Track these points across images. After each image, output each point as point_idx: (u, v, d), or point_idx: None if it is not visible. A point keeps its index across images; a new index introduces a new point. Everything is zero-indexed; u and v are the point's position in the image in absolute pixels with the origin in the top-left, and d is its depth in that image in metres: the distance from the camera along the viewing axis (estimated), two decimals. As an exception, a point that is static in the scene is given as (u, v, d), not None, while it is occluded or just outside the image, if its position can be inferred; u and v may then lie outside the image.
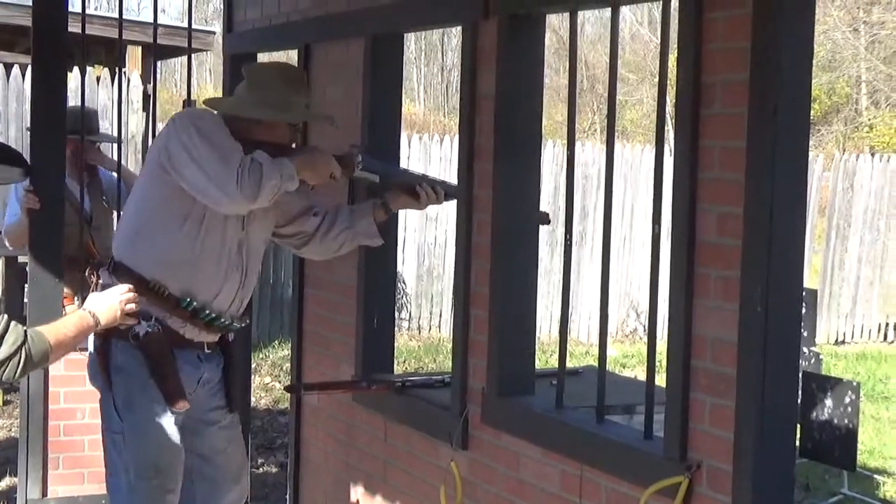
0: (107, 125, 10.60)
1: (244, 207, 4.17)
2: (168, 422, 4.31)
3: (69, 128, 6.09)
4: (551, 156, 13.39)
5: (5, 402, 9.21)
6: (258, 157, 4.10)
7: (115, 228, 6.94)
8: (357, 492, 5.21)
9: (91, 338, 4.32)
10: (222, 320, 4.41)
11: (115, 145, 6.97)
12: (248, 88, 4.42)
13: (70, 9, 6.10)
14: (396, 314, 8.72)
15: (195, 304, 4.31)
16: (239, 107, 4.41)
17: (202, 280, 4.32)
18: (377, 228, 4.65)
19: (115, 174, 6.77)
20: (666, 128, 3.70)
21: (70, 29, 5.99)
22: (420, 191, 4.61)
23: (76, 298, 6.34)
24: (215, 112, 4.42)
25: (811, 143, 5.44)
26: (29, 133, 6.21)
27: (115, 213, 6.72)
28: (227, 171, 4.05)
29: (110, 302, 3.96)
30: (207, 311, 4.34)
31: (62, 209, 5.92)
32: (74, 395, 6.05)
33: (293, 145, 4.53)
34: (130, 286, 4.06)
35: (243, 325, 4.57)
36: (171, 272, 4.28)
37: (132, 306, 4.01)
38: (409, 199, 4.66)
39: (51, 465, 6.09)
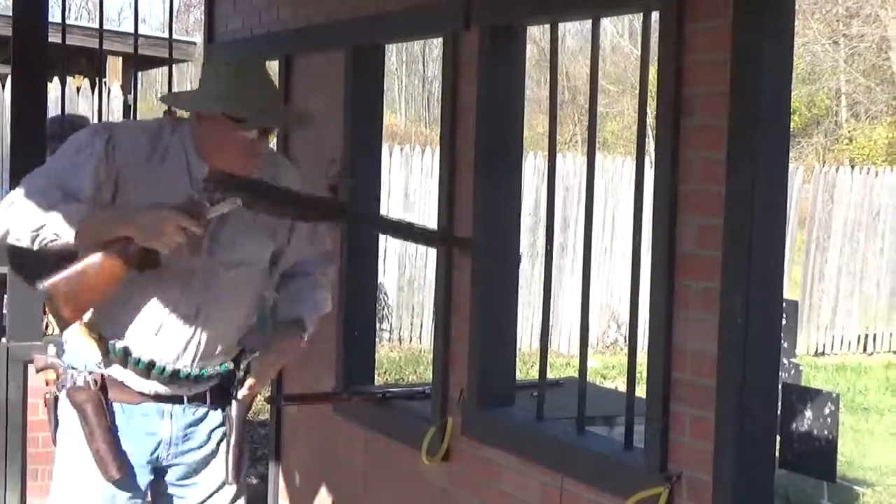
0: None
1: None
2: (93, 491, 3.60)
3: (50, 134, 6.12)
4: (532, 167, 13.41)
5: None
6: (29, 188, 3.41)
7: None
8: (338, 503, 5.20)
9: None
10: (162, 367, 3.55)
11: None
12: (200, 77, 3.63)
13: (50, 19, 6.09)
14: (377, 325, 8.73)
15: (120, 347, 3.54)
16: (178, 98, 3.95)
17: (126, 316, 3.53)
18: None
19: None
20: (647, 139, 3.71)
21: (50, 39, 5.98)
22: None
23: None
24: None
25: (791, 154, 5.46)
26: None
27: None
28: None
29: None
30: (139, 358, 3.53)
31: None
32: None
33: (255, 157, 3.53)
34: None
35: (219, 370, 3.68)
36: (110, 310, 3.51)
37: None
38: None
39: (29, 477, 6.06)
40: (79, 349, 3.58)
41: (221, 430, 3.71)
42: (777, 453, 6.49)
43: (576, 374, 4.00)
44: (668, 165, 3.42)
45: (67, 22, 6.53)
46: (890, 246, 14.32)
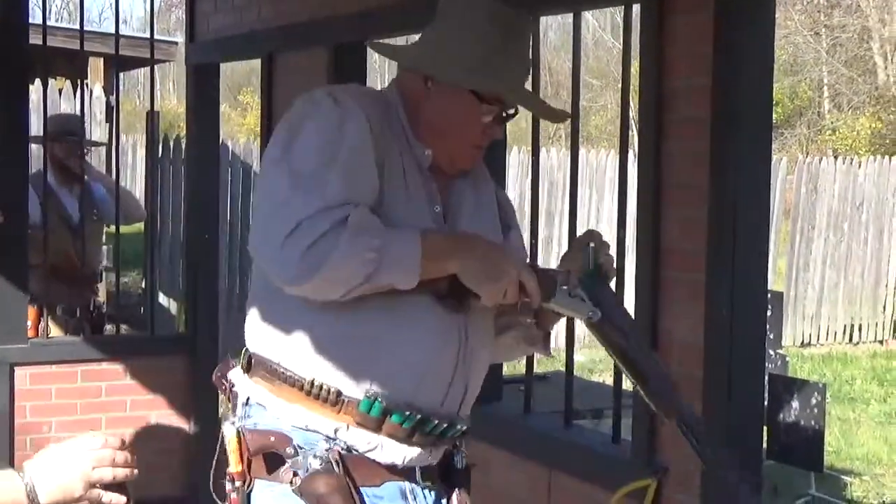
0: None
1: (280, 278, 2.39)
2: None
3: (53, 133, 6.17)
4: (516, 161, 13.40)
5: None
6: (356, 217, 2.33)
7: (102, 240, 6.94)
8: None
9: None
10: (433, 423, 2.56)
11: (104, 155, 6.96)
12: (437, 27, 2.61)
13: (31, 20, 6.07)
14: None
15: (384, 402, 2.48)
16: (411, 55, 2.65)
17: (391, 360, 2.50)
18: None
19: (105, 186, 6.73)
20: (630, 133, 3.72)
21: (31, 41, 5.96)
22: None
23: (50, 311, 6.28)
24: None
25: (774, 146, 5.46)
26: None
27: (104, 226, 6.72)
28: (283, 222, 2.33)
29: (64, 460, 2.13)
30: (409, 413, 2.50)
31: (25, 221, 5.88)
32: (41, 408, 6.02)
33: (478, 150, 2.66)
34: (109, 437, 2.18)
35: (463, 427, 2.67)
36: (339, 356, 2.49)
37: (107, 472, 2.13)
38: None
39: (17, 480, 6.04)
40: (291, 416, 2.50)
41: None
42: (764, 444, 6.51)
43: (562, 369, 4.01)
44: (652, 159, 3.42)
45: (48, 23, 6.51)
46: (874, 236, 14.35)
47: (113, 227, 6.64)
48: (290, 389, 2.48)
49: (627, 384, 3.66)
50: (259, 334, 2.56)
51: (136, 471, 2.17)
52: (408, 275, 2.36)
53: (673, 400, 2.49)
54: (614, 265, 2.55)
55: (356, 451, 2.49)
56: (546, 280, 2.45)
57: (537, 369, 4.39)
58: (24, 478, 2.10)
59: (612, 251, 2.59)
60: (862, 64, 27.83)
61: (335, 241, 2.29)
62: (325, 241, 2.28)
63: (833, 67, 27.73)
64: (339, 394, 2.46)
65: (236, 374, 2.61)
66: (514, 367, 9.19)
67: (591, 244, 2.52)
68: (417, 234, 2.38)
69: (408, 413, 2.49)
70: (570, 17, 3.91)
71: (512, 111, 2.60)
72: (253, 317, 2.59)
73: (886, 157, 15.30)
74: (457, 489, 2.71)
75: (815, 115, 28.51)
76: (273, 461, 2.46)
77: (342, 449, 2.48)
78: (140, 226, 7.93)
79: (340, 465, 2.46)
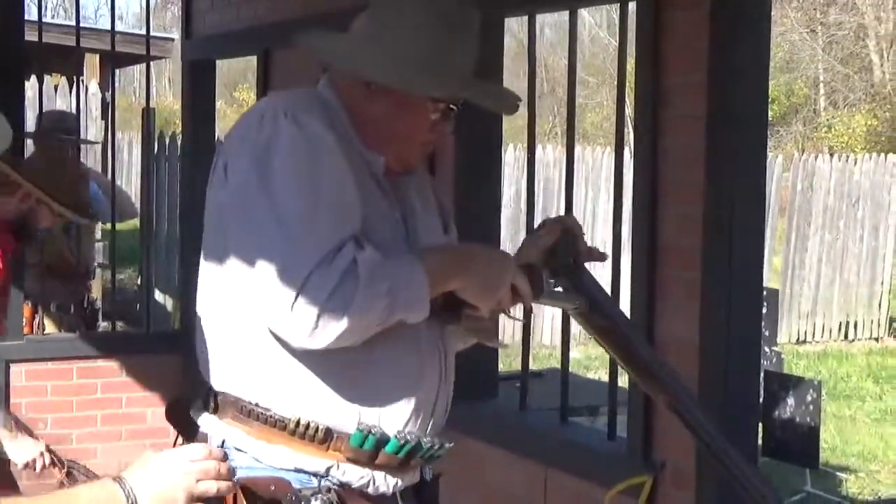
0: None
1: (296, 340, 2.23)
2: None
3: (47, 130, 6.18)
4: (512, 159, 13.40)
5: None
6: (364, 267, 2.20)
7: (97, 237, 6.95)
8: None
9: None
10: (426, 446, 2.45)
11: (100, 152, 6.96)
12: (374, 23, 2.46)
13: (27, 17, 6.07)
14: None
15: (378, 434, 2.36)
16: (349, 55, 2.47)
17: (380, 389, 2.38)
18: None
19: (99, 183, 6.73)
20: (626, 130, 3.72)
21: (27, 37, 5.95)
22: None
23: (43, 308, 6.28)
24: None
25: (770, 143, 5.49)
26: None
27: (99, 224, 6.72)
28: (286, 282, 2.18)
29: (168, 473, 1.99)
30: (400, 440, 2.39)
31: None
32: (37, 405, 6.01)
33: (422, 154, 2.54)
34: (211, 447, 2.08)
35: (450, 444, 2.53)
36: (326, 391, 2.34)
37: (212, 485, 2.00)
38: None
39: (14, 476, 6.04)
40: (275, 458, 2.34)
41: None
42: (760, 441, 6.51)
43: (558, 366, 4.01)
44: (648, 156, 3.43)
45: (44, 20, 6.50)
46: (869, 233, 14.35)
47: (106, 225, 6.64)
48: (270, 430, 2.32)
49: (623, 381, 3.67)
50: (228, 372, 2.38)
51: (236, 483, 2.05)
52: (420, 313, 2.28)
53: (667, 383, 2.46)
54: (591, 249, 2.49)
55: (349, 487, 2.37)
56: (535, 278, 2.39)
57: (533, 366, 4.40)
58: (125, 488, 1.97)
59: (609, 247, 2.58)
60: (858, 61, 27.86)
61: (349, 297, 2.17)
62: (338, 298, 2.16)
63: (829, 65, 27.75)
64: (327, 431, 2.32)
65: (202, 416, 2.44)
66: (509, 365, 9.19)
67: (569, 229, 2.47)
68: (421, 268, 2.27)
69: (402, 441, 2.37)
70: (566, 15, 3.91)
71: (459, 104, 2.43)
72: (217, 352, 2.40)
73: (882, 154, 15.31)
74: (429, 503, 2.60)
75: (811, 113, 28.53)
76: None
77: (335, 486, 2.34)
78: (135, 222, 7.93)
79: (337, 499, 2.33)
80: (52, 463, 4.06)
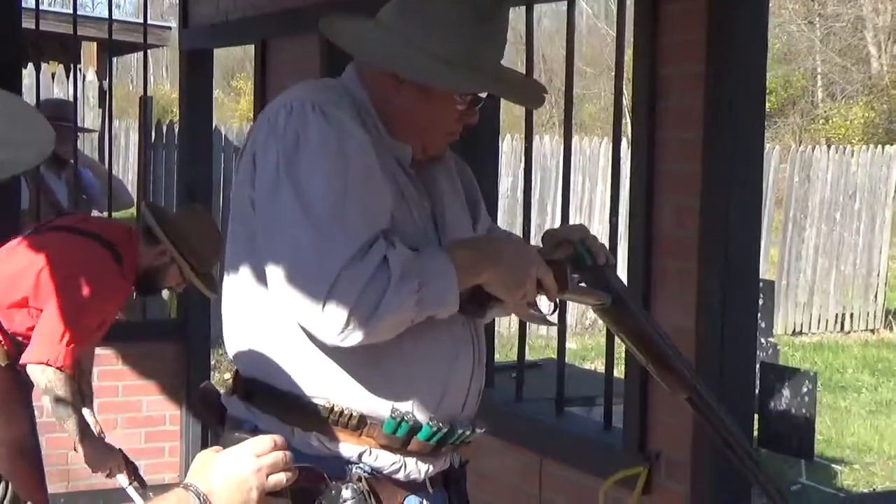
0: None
1: (328, 339, 2.24)
2: None
3: (46, 118, 6.14)
4: (510, 149, 13.40)
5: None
6: (395, 263, 2.22)
7: None
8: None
9: None
10: (459, 432, 2.46)
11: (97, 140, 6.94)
12: (406, 18, 2.43)
13: (24, 4, 6.06)
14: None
15: (411, 421, 2.38)
16: (382, 51, 2.44)
17: (414, 375, 2.39)
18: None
19: (94, 171, 6.72)
20: (623, 121, 3.72)
21: (24, 25, 5.95)
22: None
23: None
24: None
25: (767, 135, 5.49)
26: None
27: (93, 211, 6.70)
28: (318, 280, 2.20)
29: (238, 472, 1.89)
30: (433, 427, 2.40)
31: (18, 207, 5.87)
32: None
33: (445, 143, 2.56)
34: (275, 437, 1.96)
35: (481, 430, 2.56)
36: (360, 379, 2.36)
37: (281, 477, 1.93)
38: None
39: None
40: (308, 445, 2.36)
41: None
42: (755, 432, 6.52)
43: (554, 356, 4.01)
44: (645, 146, 3.43)
45: (41, 8, 6.50)
46: (866, 225, 14.36)
47: (100, 213, 6.64)
48: (304, 417, 2.35)
49: (619, 371, 3.67)
50: (259, 360, 2.38)
51: (297, 470, 1.97)
52: (450, 309, 2.29)
53: (690, 381, 2.48)
54: (608, 255, 2.51)
55: (380, 473, 2.39)
56: (560, 272, 2.40)
57: (529, 356, 4.40)
58: (200, 497, 1.86)
59: (606, 237, 2.59)
60: (855, 53, 27.85)
61: (379, 296, 2.18)
62: (370, 294, 2.18)
63: (827, 56, 27.74)
64: (361, 417, 2.34)
65: (232, 402, 2.45)
66: (505, 355, 9.19)
67: (583, 240, 2.48)
68: (451, 264, 2.27)
69: (435, 428, 2.39)
70: (564, 5, 3.91)
71: (485, 94, 2.46)
72: (247, 341, 2.42)
73: (879, 146, 15.31)
74: (457, 489, 2.62)
75: (809, 104, 28.52)
76: (303, 498, 2.20)
77: (366, 473, 2.37)
78: (132, 211, 7.92)
79: (371, 493, 2.36)
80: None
